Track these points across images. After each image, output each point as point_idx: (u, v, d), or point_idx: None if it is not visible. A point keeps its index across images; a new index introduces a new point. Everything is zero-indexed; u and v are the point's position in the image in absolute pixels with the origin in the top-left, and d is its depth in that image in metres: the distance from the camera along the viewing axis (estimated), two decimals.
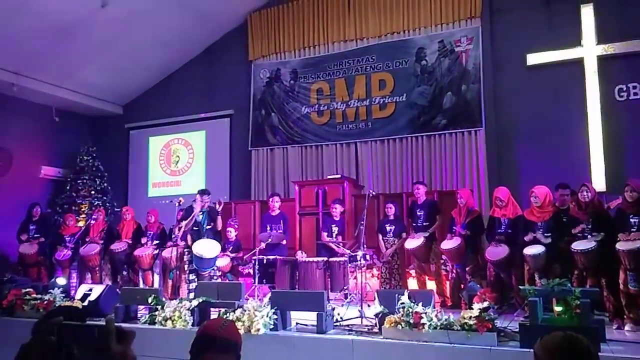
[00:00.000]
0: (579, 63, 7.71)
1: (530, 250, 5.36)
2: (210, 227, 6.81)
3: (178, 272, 7.11)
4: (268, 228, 7.06)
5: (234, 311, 4.75)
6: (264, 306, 4.65)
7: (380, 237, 6.98)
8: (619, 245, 4.68)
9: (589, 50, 7.67)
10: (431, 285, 6.56)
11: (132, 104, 11.46)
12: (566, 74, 7.77)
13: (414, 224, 6.74)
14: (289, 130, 9.64)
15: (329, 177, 8.45)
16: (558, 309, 3.84)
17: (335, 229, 6.99)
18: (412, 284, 6.89)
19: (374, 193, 6.17)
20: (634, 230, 4.73)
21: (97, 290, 5.91)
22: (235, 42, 10.33)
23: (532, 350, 3.63)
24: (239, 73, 10.16)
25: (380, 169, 8.90)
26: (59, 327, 1.02)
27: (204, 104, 10.50)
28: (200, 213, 6.73)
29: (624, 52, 7.50)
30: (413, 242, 6.51)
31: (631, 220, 4.80)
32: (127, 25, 9.04)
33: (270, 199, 7.42)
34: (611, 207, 5.30)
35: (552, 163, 7.45)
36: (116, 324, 1.03)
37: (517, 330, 3.97)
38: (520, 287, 4.58)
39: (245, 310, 4.70)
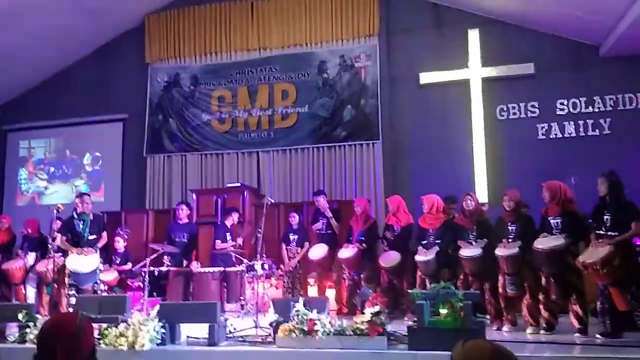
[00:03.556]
0: (465, 83, 8.29)
1: (421, 257, 5.60)
2: (94, 237, 6.17)
3: (57, 287, 6.49)
4: (173, 237, 6.72)
5: (116, 326, 4.39)
6: (151, 320, 4.35)
7: (284, 246, 6.95)
8: (498, 251, 5.02)
9: (475, 72, 8.29)
10: (331, 293, 6.62)
11: (10, 104, 10.40)
12: (454, 93, 8.32)
13: (318, 233, 6.80)
14: (188, 137, 9.30)
15: (228, 185, 8.26)
16: (443, 311, 4.01)
17: (229, 237, 6.82)
18: (313, 292, 6.90)
19: (272, 201, 6.12)
20: (512, 237, 5.11)
21: None
22: (130, 43, 9.81)
23: (419, 351, 3.77)
24: (134, 76, 9.64)
25: (282, 178, 8.88)
26: None
27: (95, 107, 9.82)
28: (81, 221, 6.08)
29: (505, 75, 8.20)
30: (317, 252, 6.53)
31: (509, 227, 5.19)
32: (6, 20, 8.21)
33: (178, 207, 7.08)
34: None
35: (442, 175, 7.90)
36: None
37: (406, 333, 4.09)
38: (409, 291, 4.74)
39: (129, 325, 4.37)
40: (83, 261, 5.75)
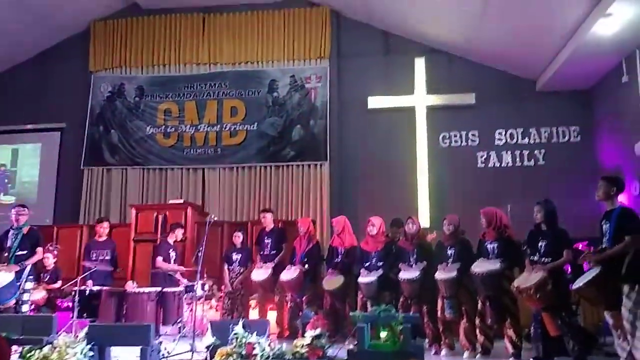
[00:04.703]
0: (411, 110, 8.52)
1: (363, 279, 5.61)
2: (24, 252, 5.77)
3: None
4: (93, 255, 6.39)
5: (41, 348, 4.09)
6: (79, 342, 4.09)
7: (226, 266, 6.77)
8: (437, 275, 5.12)
9: (420, 99, 8.54)
10: (272, 315, 6.47)
11: None
12: (401, 119, 8.53)
13: (261, 253, 6.68)
14: (131, 150, 8.98)
15: (171, 201, 8.01)
16: (383, 334, 4.01)
17: (172, 254, 6.58)
18: (254, 314, 6.73)
19: (215, 219, 5.95)
20: (450, 260, 5.23)
21: None
22: (74, 49, 9.44)
23: None
24: (75, 84, 9.26)
25: (228, 196, 8.72)
26: None
27: (32, 115, 9.33)
28: (14, 235, 5.73)
29: (448, 103, 8.51)
30: (260, 274, 6.39)
31: (448, 251, 5.31)
32: None
33: (99, 225, 6.75)
34: (428, 240, 5.85)
35: (386, 198, 8.05)
36: None
37: (346, 357, 4.05)
38: (351, 313, 4.72)
39: (55, 347, 4.09)
40: None
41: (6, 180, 9.42)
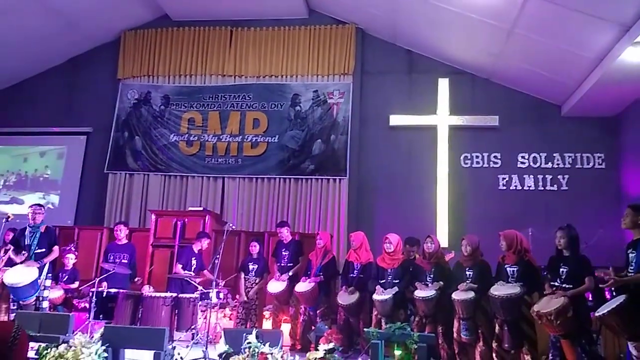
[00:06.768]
0: (433, 129, 8.50)
1: (378, 296, 5.56)
2: (42, 251, 5.88)
3: None
4: (111, 258, 6.47)
5: (57, 346, 4.14)
6: (94, 342, 4.13)
7: (242, 275, 6.79)
8: (455, 295, 5.06)
9: (442, 119, 8.52)
10: (286, 327, 6.45)
11: None
12: (422, 137, 8.51)
13: (278, 264, 6.69)
14: (153, 156, 9.13)
15: (190, 208, 8.10)
16: (397, 352, 3.97)
17: (194, 262, 6.61)
18: (268, 325, 6.72)
19: (233, 227, 5.99)
20: (469, 281, 5.17)
21: None
22: (104, 57, 9.71)
23: None
24: (103, 90, 9.49)
25: (246, 206, 8.77)
26: None
27: (60, 118, 9.57)
28: (31, 233, 5.84)
29: (471, 125, 8.47)
30: (276, 286, 6.40)
31: (467, 272, 5.25)
32: None
33: (116, 227, 6.82)
34: (446, 259, 5.79)
35: (405, 215, 8.01)
36: None
37: None
38: (365, 329, 4.68)
39: (70, 346, 4.13)
40: (19, 274, 5.44)
41: (33, 180, 9.60)
